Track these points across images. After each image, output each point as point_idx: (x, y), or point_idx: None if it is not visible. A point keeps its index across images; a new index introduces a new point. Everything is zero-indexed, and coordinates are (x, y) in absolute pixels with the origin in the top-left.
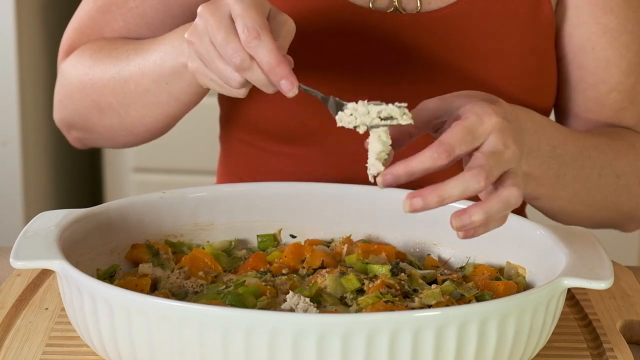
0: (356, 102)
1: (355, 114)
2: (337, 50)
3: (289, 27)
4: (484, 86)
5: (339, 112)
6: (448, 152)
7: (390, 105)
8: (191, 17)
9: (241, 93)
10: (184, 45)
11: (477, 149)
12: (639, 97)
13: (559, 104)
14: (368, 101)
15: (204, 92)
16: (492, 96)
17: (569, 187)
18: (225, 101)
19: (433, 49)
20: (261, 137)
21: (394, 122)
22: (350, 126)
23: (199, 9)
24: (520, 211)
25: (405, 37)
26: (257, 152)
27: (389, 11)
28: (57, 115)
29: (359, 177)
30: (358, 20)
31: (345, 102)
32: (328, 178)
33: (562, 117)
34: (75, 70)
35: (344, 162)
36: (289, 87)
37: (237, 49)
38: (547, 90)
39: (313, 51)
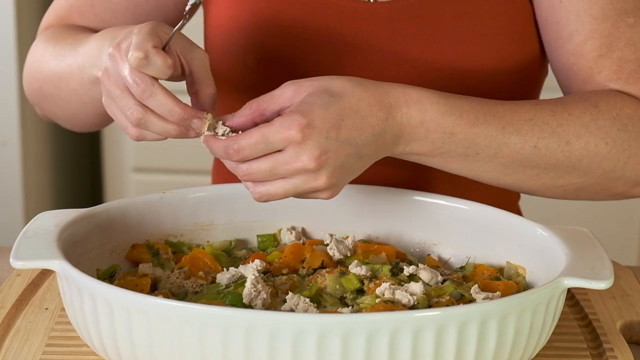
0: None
1: None
2: (312, 40)
3: (200, 56)
4: (464, 70)
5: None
6: (237, 152)
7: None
8: (156, 6)
9: (134, 139)
10: (101, 58)
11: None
12: (618, 42)
13: (553, 68)
14: None
15: None
16: (333, 88)
17: (489, 163)
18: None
19: (410, 37)
20: None
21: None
22: None
23: (109, 51)
24: (513, 205)
25: (382, 25)
26: None
27: (364, 0)
28: (25, 89)
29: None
30: (335, 10)
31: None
32: None
33: (560, 81)
34: (32, 53)
35: None
36: (198, 125)
37: (129, 106)
38: (530, 66)
39: (288, 43)
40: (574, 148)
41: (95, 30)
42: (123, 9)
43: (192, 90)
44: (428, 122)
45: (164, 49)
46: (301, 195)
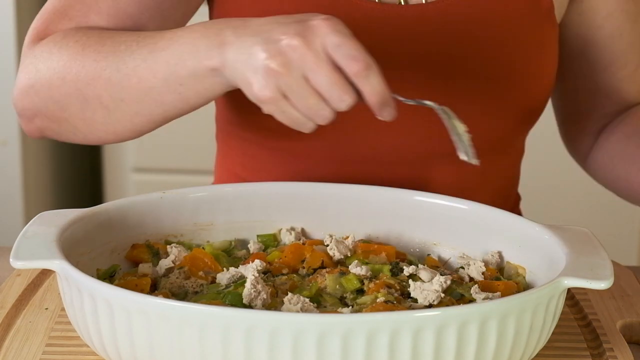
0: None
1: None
2: None
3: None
4: (485, 74)
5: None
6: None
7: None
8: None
9: (311, 129)
10: (212, 51)
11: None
12: None
13: (585, 88)
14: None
15: (217, 96)
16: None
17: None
18: (223, 100)
19: (438, 40)
20: (261, 133)
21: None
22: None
23: (290, 39)
24: (514, 207)
25: (411, 28)
26: (256, 149)
27: (394, 3)
28: (23, 101)
29: (360, 171)
30: (363, 14)
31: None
32: (329, 174)
33: (590, 98)
34: (58, 55)
35: (345, 157)
36: (392, 114)
37: (345, 90)
38: (547, 76)
39: None
40: None
41: (111, 29)
42: (150, 1)
43: None
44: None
45: None
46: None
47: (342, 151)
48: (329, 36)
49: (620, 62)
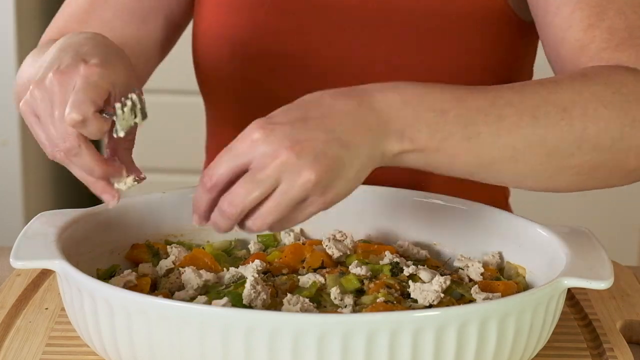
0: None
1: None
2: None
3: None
4: (453, 60)
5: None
6: (210, 176)
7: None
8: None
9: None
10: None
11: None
12: (607, 11)
13: (547, 54)
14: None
15: None
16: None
17: (494, 145)
18: (211, 100)
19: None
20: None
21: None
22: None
23: (49, 75)
24: (503, 203)
25: (371, 18)
26: None
27: None
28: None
29: None
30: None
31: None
32: None
33: (553, 66)
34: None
35: None
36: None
37: (66, 135)
38: (512, 53)
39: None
40: (573, 114)
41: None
42: (124, 7)
43: (110, 146)
44: (411, 101)
45: (101, 112)
46: (294, 203)
47: None
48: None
49: (553, 7)
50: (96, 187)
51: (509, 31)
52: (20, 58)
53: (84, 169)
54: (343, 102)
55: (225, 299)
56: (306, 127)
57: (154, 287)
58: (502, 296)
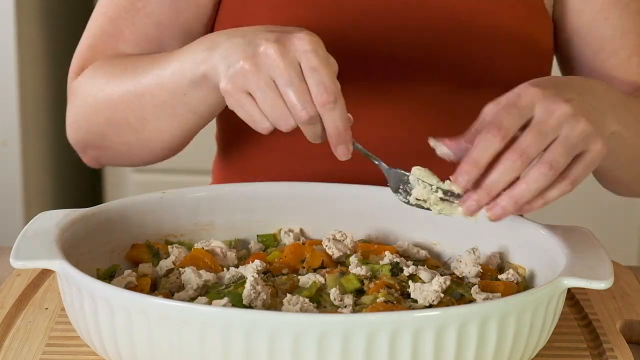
0: (409, 174)
1: (421, 195)
2: (349, 36)
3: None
4: (479, 64)
5: (413, 190)
6: (498, 128)
7: (446, 182)
8: (197, 12)
9: (266, 129)
10: (205, 54)
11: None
12: None
13: None
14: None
15: (222, 104)
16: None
17: (627, 151)
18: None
19: (435, 32)
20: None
21: (453, 197)
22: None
23: (267, 45)
24: None
25: (412, 19)
26: (256, 147)
27: None
28: (72, 136)
29: (360, 168)
30: (365, 4)
31: (406, 174)
32: (325, 171)
33: None
34: (89, 88)
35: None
36: (345, 152)
37: (308, 105)
38: (543, 64)
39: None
40: None
41: (137, 54)
42: (167, 20)
43: None
44: (612, 99)
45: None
46: (575, 146)
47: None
48: (307, 54)
49: (609, 49)
50: (347, 135)
51: (548, 61)
52: (21, 58)
53: (344, 117)
54: (579, 82)
55: (225, 299)
56: (566, 89)
57: (154, 287)
58: (502, 296)
